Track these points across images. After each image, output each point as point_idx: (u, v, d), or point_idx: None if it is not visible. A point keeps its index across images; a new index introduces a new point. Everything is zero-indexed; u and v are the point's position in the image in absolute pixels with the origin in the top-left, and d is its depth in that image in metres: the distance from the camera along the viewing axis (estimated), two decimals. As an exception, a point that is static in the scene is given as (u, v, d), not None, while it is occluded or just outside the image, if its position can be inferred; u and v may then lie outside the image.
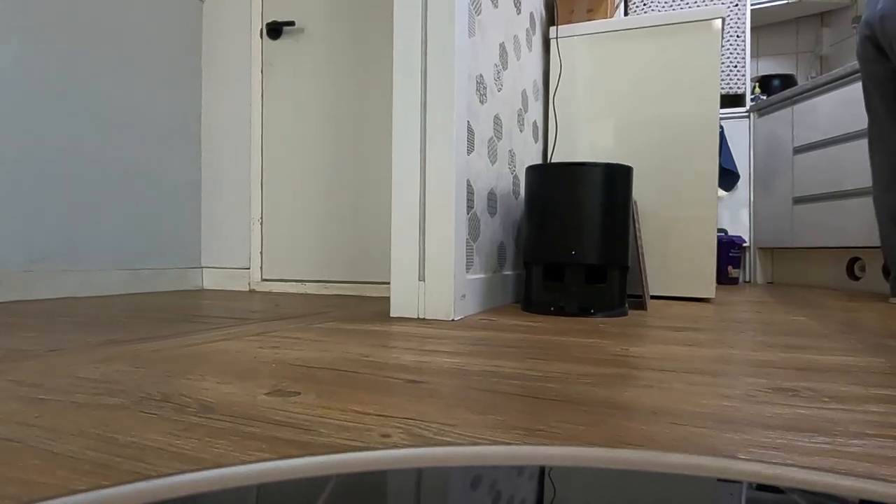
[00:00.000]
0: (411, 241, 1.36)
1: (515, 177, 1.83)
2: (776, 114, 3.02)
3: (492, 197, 1.62)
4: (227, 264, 2.41)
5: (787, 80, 3.45)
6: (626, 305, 1.54)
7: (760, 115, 3.15)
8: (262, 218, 2.35)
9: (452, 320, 1.32)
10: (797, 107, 2.84)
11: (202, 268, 2.43)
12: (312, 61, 2.25)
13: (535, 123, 2.04)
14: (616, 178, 1.48)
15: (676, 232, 1.97)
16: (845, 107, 2.54)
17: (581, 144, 2.09)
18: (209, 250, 2.44)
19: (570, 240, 1.47)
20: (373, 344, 0.99)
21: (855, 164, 2.49)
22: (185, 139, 2.36)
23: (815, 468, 0.40)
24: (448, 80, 1.32)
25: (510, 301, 1.78)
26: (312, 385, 0.68)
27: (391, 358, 0.86)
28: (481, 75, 1.51)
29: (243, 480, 0.36)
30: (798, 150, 2.83)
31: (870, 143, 2.06)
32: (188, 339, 1.03)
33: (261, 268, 2.35)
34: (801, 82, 3.41)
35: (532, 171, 1.55)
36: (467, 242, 1.45)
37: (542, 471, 0.39)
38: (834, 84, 2.59)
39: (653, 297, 2.07)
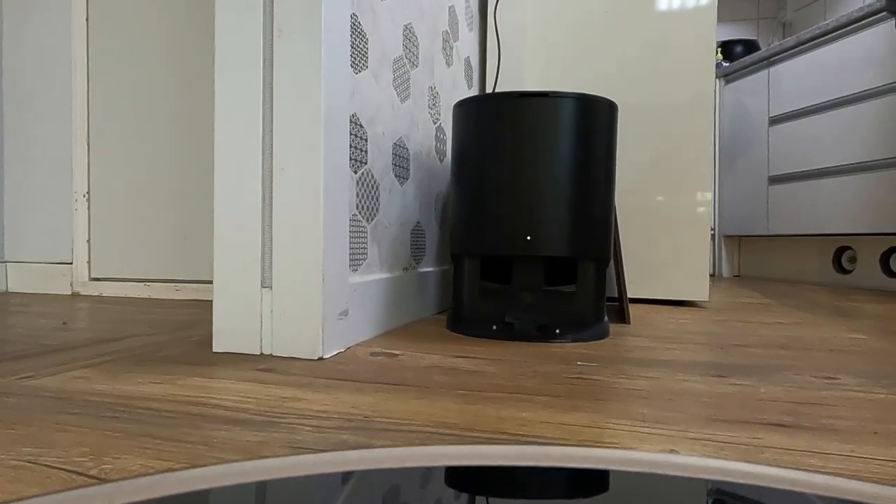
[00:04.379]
0: (247, 216, 0.76)
1: (440, 129, 1.26)
2: (747, 79, 2.59)
3: (401, 152, 1.04)
4: (42, 258, 1.71)
5: (751, 46, 3.05)
6: (606, 319, 1.01)
7: (728, 82, 2.73)
8: (89, 193, 1.67)
9: (320, 359, 0.74)
10: (776, 69, 2.42)
11: (5, 262, 1.72)
12: (157, -30, 1.59)
13: (468, 61, 1.47)
14: (596, 120, 0.93)
15: (661, 222, 1.46)
16: (835, 67, 2.12)
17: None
18: (15, 238, 1.73)
19: (522, 218, 0.92)
20: (70, 457, 0.39)
21: (849, 135, 2.08)
22: (-25, 80, 1.65)
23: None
24: (310, -76, 0.72)
25: (433, 311, 1.21)
26: None
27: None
28: (381, -50, 0.92)
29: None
30: (776, 121, 2.41)
31: None
32: None
33: (88, 263, 1.67)
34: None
35: (464, 108, 0.98)
36: (353, 221, 0.86)
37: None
38: (824, 39, 2.17)
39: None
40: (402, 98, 1.03)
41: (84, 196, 1.66)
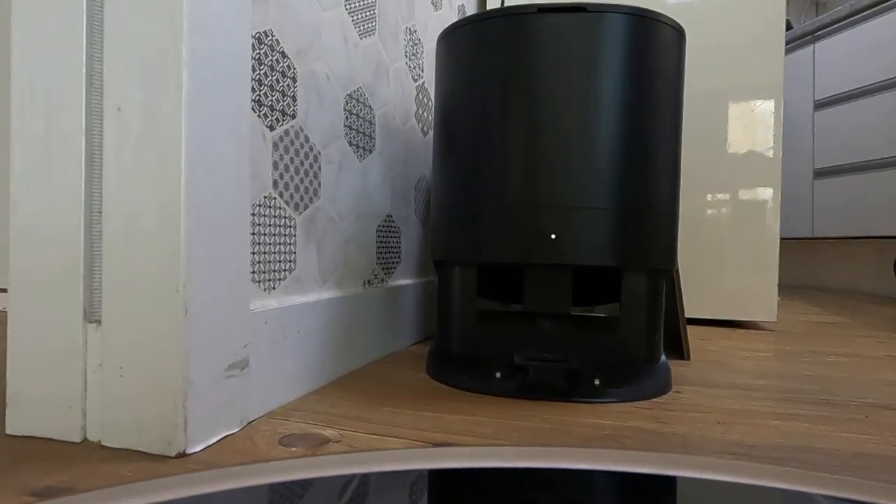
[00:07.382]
0: (60, 192, 0.43)
1: (423, 90, 0.93)
2: (787, 58, 2.27)
3: (360, 110, 0.71)
4: (-64, 263, 1.38)
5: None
6: (665, 359, 0.67)
7: (762, 63, 2.40)
8: (-9, 182, 1.34)
9: (181, 457, 0.40)
10: (822, 45, 2.09)
11: None
12: None
13: (462, 10, 1.14)
14: (657, 51, 0.60)
15: (720, 231, 1.13)
16: (899, 38, 1.80)
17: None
18: None
19: (542, 205, 0.59)
20: None
21: (917, 118, 1.75)
22: None
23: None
24: None
25: (413, 340, 0.87)
26: None
27: None
28: None
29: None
30: (822, 105, 2.08)
31: None
32: None
33: (-10, 269, 1.34)
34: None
35: (453, 37, 0.65)
36: (267, 206, 0.53)
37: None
38: (886, 6, 1.84)
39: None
40: (363, 32, 0.70)
41: (-14, 186, 1.33)
